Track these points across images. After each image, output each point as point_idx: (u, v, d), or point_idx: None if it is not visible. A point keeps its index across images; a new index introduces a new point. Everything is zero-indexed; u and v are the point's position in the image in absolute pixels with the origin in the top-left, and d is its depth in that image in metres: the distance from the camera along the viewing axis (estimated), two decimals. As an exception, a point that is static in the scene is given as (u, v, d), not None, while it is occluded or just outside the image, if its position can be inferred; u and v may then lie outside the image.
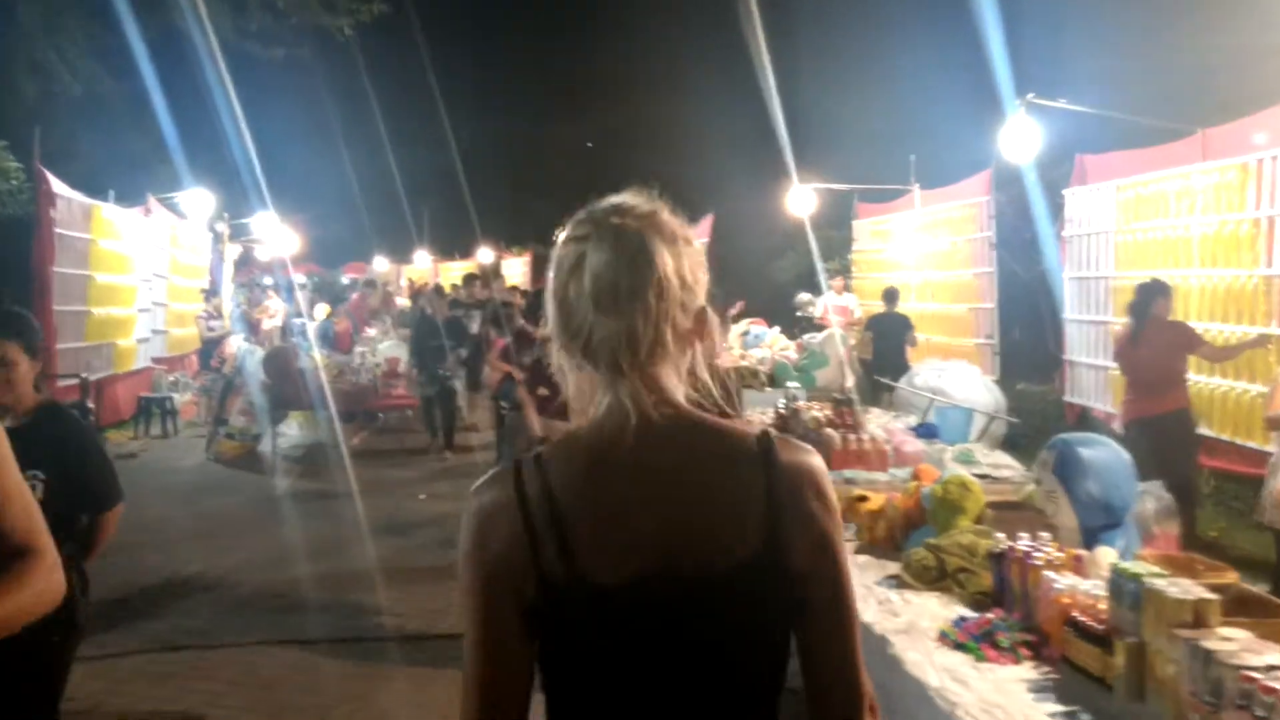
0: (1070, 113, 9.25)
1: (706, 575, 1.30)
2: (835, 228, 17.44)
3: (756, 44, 14.27)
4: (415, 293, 30.00)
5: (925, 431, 7.80)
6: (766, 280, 19.66)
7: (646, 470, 1.33)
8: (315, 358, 14.06)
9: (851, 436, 6.78)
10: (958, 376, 9.70)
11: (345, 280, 39.82)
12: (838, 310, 14.71)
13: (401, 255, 43.16)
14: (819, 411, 8.03)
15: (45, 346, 10.70)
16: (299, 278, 36.09)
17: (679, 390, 1.39)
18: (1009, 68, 9.18)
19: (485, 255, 33.72)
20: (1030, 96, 8.52)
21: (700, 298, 1.39)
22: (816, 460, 1.41)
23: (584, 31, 32.41)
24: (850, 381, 12.81)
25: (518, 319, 12.34)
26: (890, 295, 12.30)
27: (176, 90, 15.46)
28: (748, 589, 1.32)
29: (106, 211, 12.47)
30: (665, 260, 1.32)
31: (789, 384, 8.89)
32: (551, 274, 1.37)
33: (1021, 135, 8.57)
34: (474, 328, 11.67)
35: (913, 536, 4.58)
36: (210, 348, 14.02)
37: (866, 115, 17.13)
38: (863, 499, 4.83)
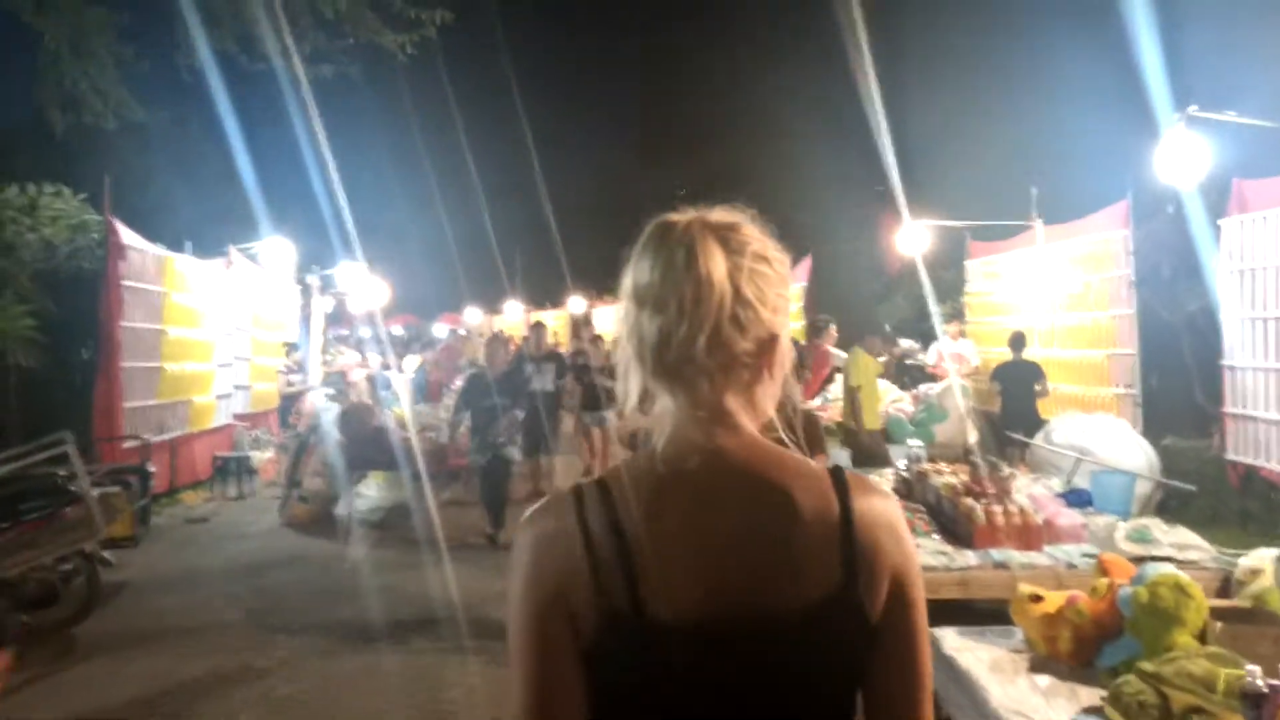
0: (1223, 133, 8.12)
1: (776, 616, 1.23)
2: (945, 268, 16.31)
3: (860, 73, 13.39)
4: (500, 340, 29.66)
5: (1076, 499, 6.70)
6: (871, 326, 18.60)
7: (717, 501, 1.26)
8: (400, 412, 13.45)
9: (997, 508, 5.74)
10: (1104, 432, 8.54)
11: (439, 331, 39.98)
12: (953, 358, 13.59)
13: (493, 305, 43.39)
14: (951, 476, 7.00)
15: (111, 407, 10.45)
16: (396, 329, 36.20)
17: (746, 419, 1.32)
18: (1165, 77, 8.03)
19: (577, 304, 33.33)
20: (1193, 109, 7.40)
21: (772, 320, 1.30)
22: (893, 503, 1.35)
23: (676, 74, 31.99)
24: (974, 438, 11.69)
25: (592, 372, 11.49)
26: (1017, 341, 11.10)
27: (262, 139, 15.20)
28: (819, 633, 1.24)
29: (181, 263, 12.02)
30: (713, 265, 1.26)
31: (909, 441, 7.84)
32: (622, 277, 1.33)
33: (1183, 153, 7.42)
34: (541, 383, 10.99)
35: (1107, 651, 3.56)
36: (289, 403, 13.46)
37: (980, 145, 15.97)
38: (1036, 599, 3.80)
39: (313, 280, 20.13)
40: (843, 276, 19.33)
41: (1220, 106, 7.66)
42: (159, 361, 11.30)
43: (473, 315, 41.46)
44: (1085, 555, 5.33)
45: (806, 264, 18.19)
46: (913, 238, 13.12)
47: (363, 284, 20.15)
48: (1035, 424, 10.40)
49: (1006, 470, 6.48)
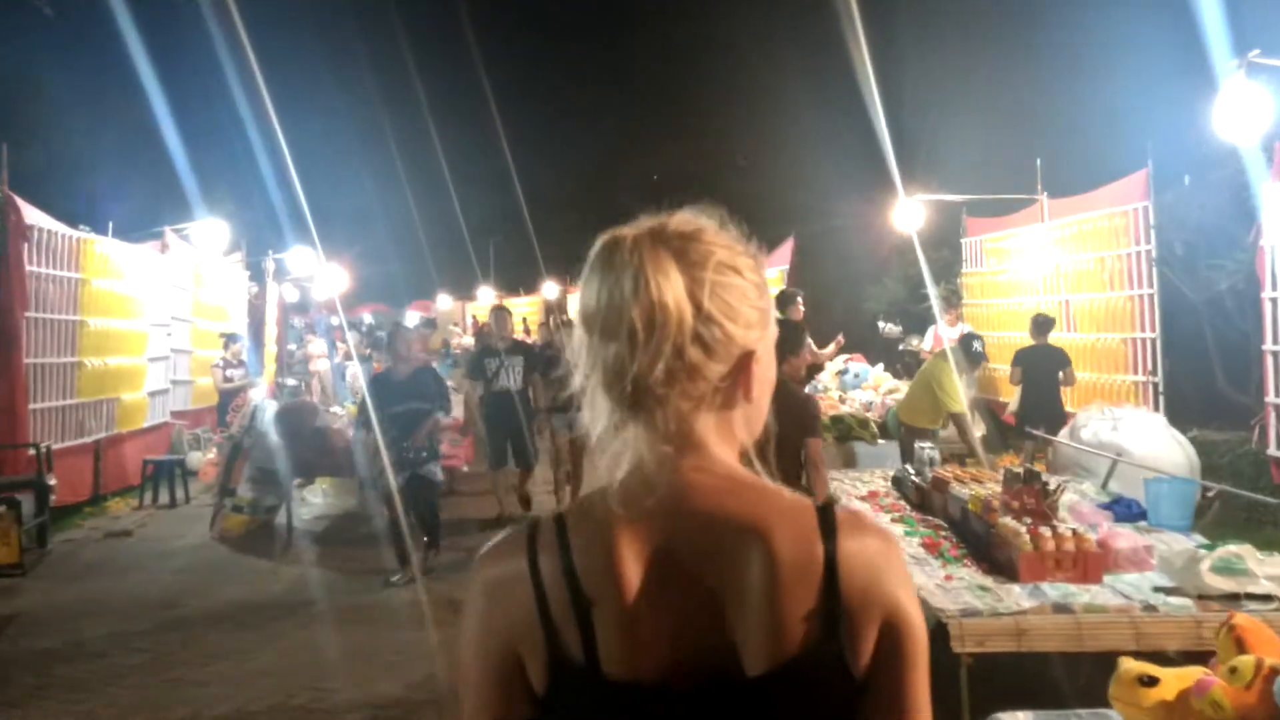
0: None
1: (746, 674, 1.10)
2: (938, 247, 15.30)
3: (846, 35, 12.33)
4: (480, 331, 28.64)
5: (1125, 511, 5.71)
6: (858, 310, 17.60)
7: (682, 546, 1.13)
8: (354, 409, 12.34)
9: (1045, 531, 4.72)
10: (1138, 428, 7.53)
11: (410, 319, 38.90)
12: (940, 344, 12.58)
13: (465, 292, 42.69)
14: (976, 484, 5.99)
15: (13, 408, 9.29)
16: (366, 317, 35.02)
17: (722, 448, 1.18)
18: (1222, 20, 6.97)
19: (551, 290, 32.59)
20: (1254, 54, 6.35)
21: (745, 336, 1.17)
22: (891, 544, 1.18)
23: (653, 48, 30.92)
24: (980, 432, 10.70)
25: (564, 365, 10.21)
26: (1042, 324, 9.95)
27: (203, 111, 14.06)
28: (796, 691, 1.11)
29: (104, 247, 10.83)
30: (666, 284, 1.12)
31: (921, 445, 6.81)
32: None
33: (1245, 104, 6.35)
34: (507, 380, 9.24)
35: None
36: (228, 400, 12.30)
37: (977, 113, 14.84)
38: (1148, 681, 2.77)
39: (269, 266, 19.00)
40: (829, 257, 18.31)
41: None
42: (76, 356, 10.13)
43: (444, 302, 40.68)
44: (1157, 590, 4.33)
45: (789, 245, 17.24)
46: (908, 214, 12.10)
47: (319, 270, 19.06)
48: (1058, 417, 9.41)
49: (1054, 481, 5.44)
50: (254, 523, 9.41)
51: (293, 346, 21.81)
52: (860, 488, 7.06)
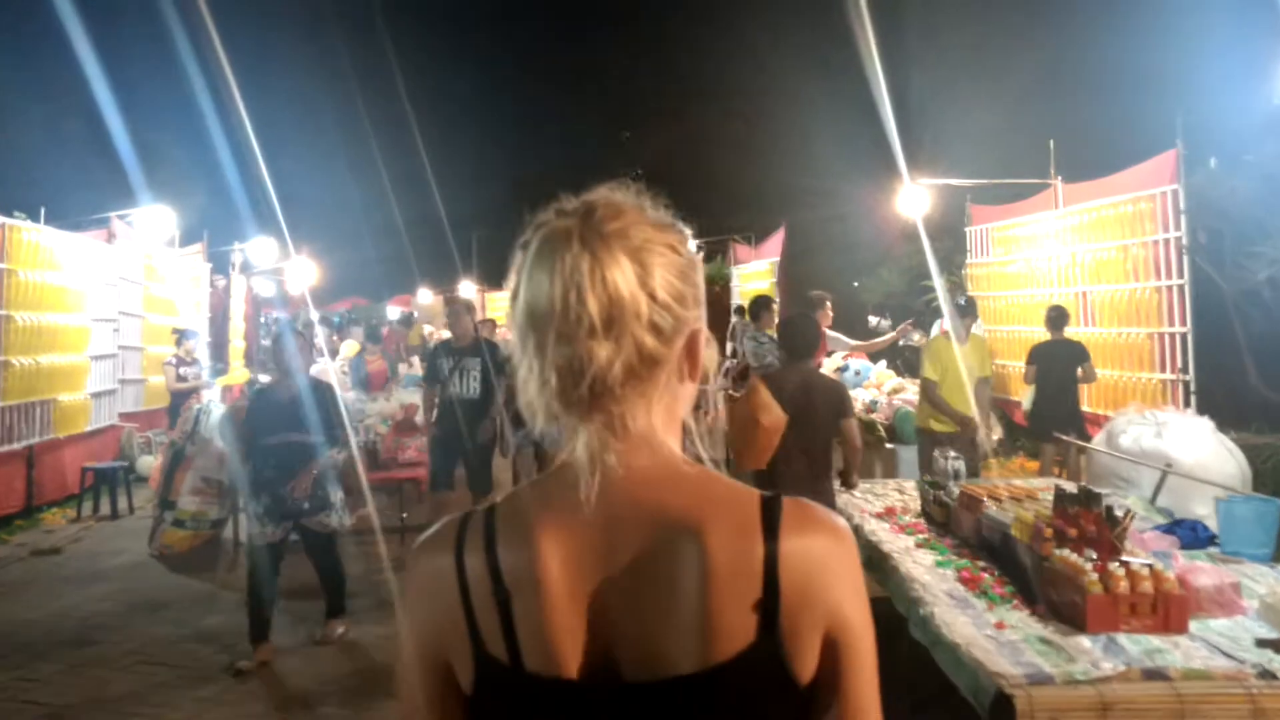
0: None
1: (675, 674, 1.05)
2: (938, 237, 14.44)
3: (839, 4, 11.46)
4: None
5: (1191, 536, 4.89)
6: (853, 304, 16.76)
7: (612, 539, 1.09)
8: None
9: (1116, 568, 3.88)
10: (1184, 433, 6.70)
11: (391, 314, 38.00)
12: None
13: (447, 286, 42.14)
14: (1017, 504, 5.17)
15: None
16: (337, 314, 34.04)
17: (663, 435, 1.13)
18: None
19: None
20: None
21: (689, 316, 1.13)
22: (841, 540, 1.11)
23: (631, 42, 30.13)
24: (997, 435, 9.89)
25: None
26: (1057, 317, 9.07)
27: (162, 92, 13.11)
28: (732, 695, 1.05)
29: (36, 235, 9.88)
30: (620, 271, 1.07)
31: (944, 455, 5.97)
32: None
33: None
34: (460, 386, 7.86)
35: None
36: (181, 401, 11.36)
37: (984, 93, 13.95)
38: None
39: (235, 258, 18.09)
40: (821, 248, 17.46)
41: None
42: (1, 355, 9.19)
43: (424, 296, 40.15)
44: (1262, 644, 3.50)
45: (780, 236, 16.43)
46: (913, 199, 11.25)
47: (288, 263, 18.16)
48: (1075, 418, 8.61)
49: (1119, 504, 4.59)
50: (197, 538, 8.50)
51: (267, 342, 20.98)
52: (873, 502, 6.24)
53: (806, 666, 1.08)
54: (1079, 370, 8.83)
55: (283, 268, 19.18)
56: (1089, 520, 4.36)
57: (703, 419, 1.21)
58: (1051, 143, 10.86)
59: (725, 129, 23.07)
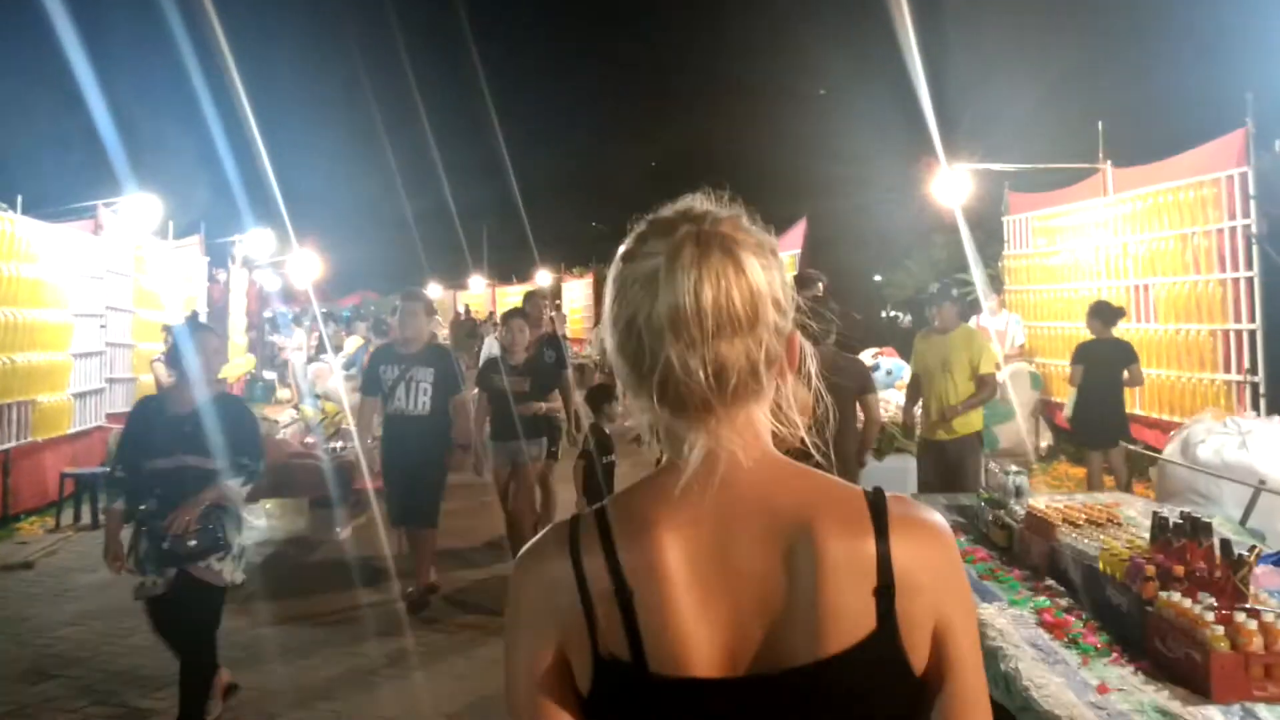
0: None
1: (798, 670, 1.08)
2: (973, 226, 13.68)
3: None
4: (460, 322, 27.18)
5: (1306, 569, 4.16)
6: (878, 299, 16.02)
7: (730, 541, 1.11)
8: (308, 411, 10.79)
9: (1245, 620, 3.17)
10: (1273, 443, 5.96)
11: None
12: (998, 337, 11.03)
13: (457, 280, 41.87)
14: (1098, 529, 4.48)
15: None
16: (346, 309, 33.44)
17: (768, 434, 1.17)
18: None
19: (544, 278, 31.55)
20: None
21: (791, 319, 1.18)
22: (944, 529, 1.16)
23: (646, 34, 29.49)
24: (1046, 442, 9.17)
25: (506, 377, 7.10)
26: (1104, 313, 8.28)
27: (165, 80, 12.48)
28: (851, 684, 1.08)
29: (12, 225, 9.21)
30: (758, 275, 1.11)
31: (1003, 468, 5.24)
32: (611, 298, 1.16)
33: None
34: (407, 400, 6.62)
35: None
36: (169, 401, 10.71)
37: (1025, 73, 13.07)
38: None
39: (236, 251, 17.49)
40: (845, 239, 16.70)
41: None
42: (-30, 353, 8.56)
43: (434, 291, 39.89)
44: None
45: (801, 227, 15.72)
46: (951, 185, 10.50)
47: (291, 256, 17.54)
48: (1118, 424, 7.89)
49: (1238, 546, 3.84)
50: (179, 553, 7.85)
51: (275, 338, 20.43)
52: (921, 521, 5.53)
53: (920, 657, 1.11)
54: (1125, 373, 8.08)
55: (285, 261, 18.57)
56: (1197, 556, 3.65)
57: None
58: (1100, 124, 10.09)
59: (743, 113, 22.36)
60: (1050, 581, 4.23)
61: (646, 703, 1.10)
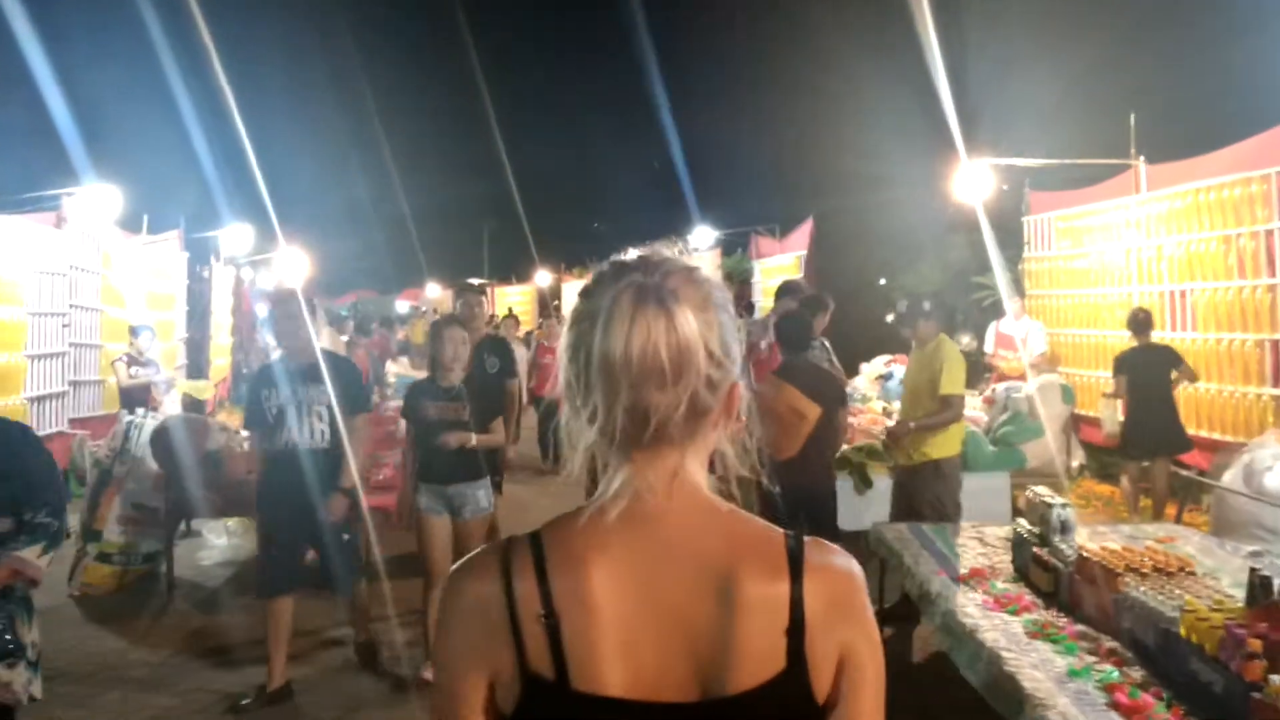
0: None
1: (716, 699, 1.16)
2: (992, 226, 12.95)
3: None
4: (443, 321, 26.44)
5: None
6: (888, 303, 15.30)
7: (656, 574, 1.18)
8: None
9: None
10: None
11: (401, 308, 36.90)
12: (1002, 343, 10.34)
13: (457, 280, 41.42)
14: (1167, 579, 3.82)
15: None
16: (344, 307, 32.75)
17: (700, 476, 1.25)
18: None
19: (544, 278, 31.01)
20: None
21: (733, 372, 1.24)
22: (856, 569, 1.25)
23: (645, 36, 28.91)
24: (1077, 462, 8.46)
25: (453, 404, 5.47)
26: (1141, 321, 7.77)
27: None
28: (763, 715, 1.17)
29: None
30: (690, 328, 1.18)
31: (1045, 497, 4.53)
32: (566, 327, 1.25)
33: None
34: (299, 430, 5.10)
35: None
36: (136, 405, 10.00)
37: (1050, 61, 12.27)
38: None
39: (221, 247, 16.80)
40: (855, 240, 15.97)
41: None
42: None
43: (433, 291, 39.53)
44: None
45: (807, 227, 15.03)
46: (970, 182, 9.80)
47: (273, 252, 16.87)
48: (1177, 437, 7.25)
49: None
50: (126, 575, 7.16)
51: (268, 337, 19.75)
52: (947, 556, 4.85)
53: (824, 689, 1.19)
54: (1173, 373, 7.48)
55: (271, 258, 17.89)
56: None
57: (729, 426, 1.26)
58: (1132, 117, 9.37)
59: (748, 108, 21.67)
60: (1113, 644, 3.54)
61: (568, 717, 1.15)
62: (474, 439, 5.23)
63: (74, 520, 8.12)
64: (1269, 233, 7.70)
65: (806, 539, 1.22)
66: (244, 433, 9.33)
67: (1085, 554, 4.06)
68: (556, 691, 1.14)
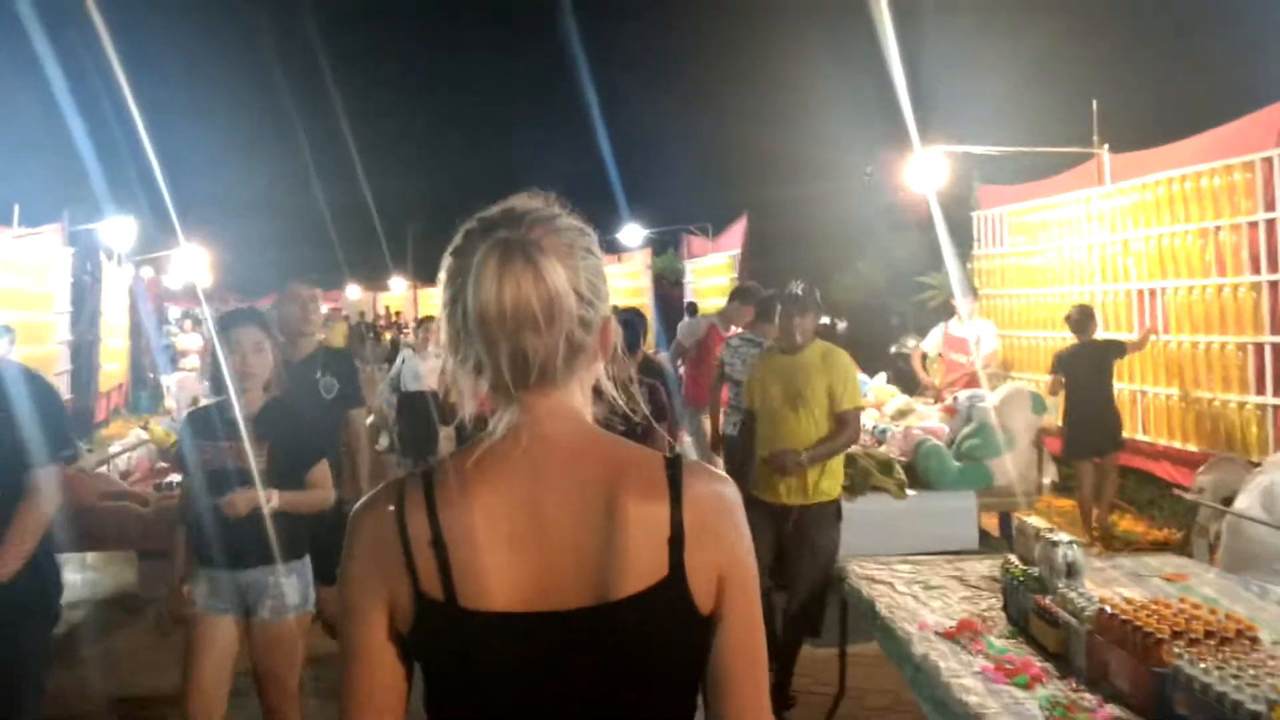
0: None
1: (596, 606, 1.23)
2: (930, 225, 12.27)
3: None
4: (388, 325, 25.39)
5: None
6: (827, 303, 14.60)
7: (539, 490, 1.26)
8: (156, 430, 9.01)
9: None
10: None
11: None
12: (954, 346, 9.60)
13: (378, 282, 40.51)
14: (1221, 647, 3.03)
15: None
16: (265, 308, 31.31)
17: (584, 408, 1.34)
18: None
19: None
20: None
21: (603, 309, 1.32)
22: (730, 489, 1.33)
23: (571, 30, 28.13)
24: (1049, 478, 7.72)
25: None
26: (1080, 318, 7.43)
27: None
28: (643, 627, 1.24)
29: None
30: (557, 276, 1.24)
31: (1051, 539, 3.70)
32: (441, 287, 1.30)
33: None
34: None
35: None
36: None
37: (1002, 43, 11.56)
38: None
39: (117, 244, 15.50)
40: (788, 238, 15.25)
41: None
42: None
43: (353, 293, 38.40)
44: None
45: (741, 226, 14.34)
46: (927, 169, 9.05)
47: (171, 250, 15.64)
48: (1114, 436, 6.88)
49: None
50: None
51: (177, 339, 18.48)
52: (928, 603, 4.00)
53: (705, 600, 1.26)
54: (1114, 366, 7.38)
55: (170, 256, 16.62)
56: None
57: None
58: (1094, 103, 8.70)
59: (679, 99, 20.91)
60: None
61: (456, 634, 1.23)
62: (276, 498, 3.49)
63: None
64: (1252, 225, 7.03)
65: (685, 459, 1.31)
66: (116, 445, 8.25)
67: (1111, 610, 3.23)
68: (446, 610, 1.23)
